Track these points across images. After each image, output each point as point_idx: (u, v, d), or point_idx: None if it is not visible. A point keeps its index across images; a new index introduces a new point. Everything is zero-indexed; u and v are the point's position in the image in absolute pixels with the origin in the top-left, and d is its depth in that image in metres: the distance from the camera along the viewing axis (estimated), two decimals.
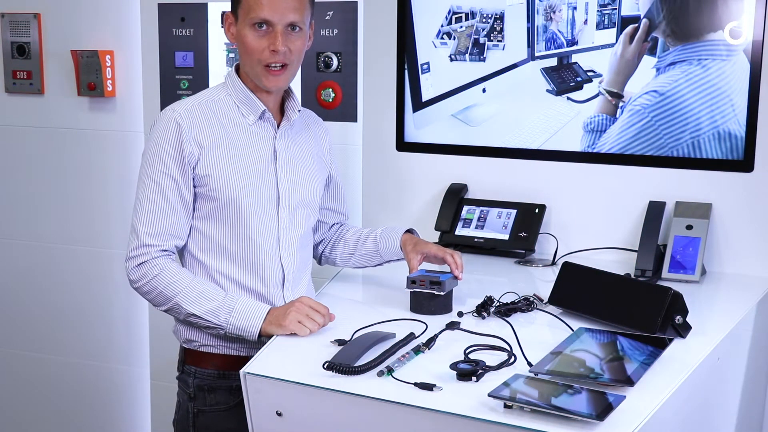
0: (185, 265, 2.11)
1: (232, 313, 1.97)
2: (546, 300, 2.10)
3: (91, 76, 3.16)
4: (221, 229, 2.07)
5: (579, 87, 2.60)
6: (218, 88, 2.15)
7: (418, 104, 2.80)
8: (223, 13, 2.95)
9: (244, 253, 2.07)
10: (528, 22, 2.64)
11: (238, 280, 2.08)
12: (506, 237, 2.64)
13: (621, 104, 2.55)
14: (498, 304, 2.05)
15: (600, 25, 2.56)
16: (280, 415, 1.73)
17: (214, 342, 2.08)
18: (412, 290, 2.05)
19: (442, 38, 2.75)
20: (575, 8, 2.58)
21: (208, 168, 2.04)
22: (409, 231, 2.28)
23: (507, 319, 1.96)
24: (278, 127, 2.14)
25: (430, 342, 1.80)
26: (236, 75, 2.13)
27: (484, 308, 2.02)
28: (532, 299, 2.09)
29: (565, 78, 2.63)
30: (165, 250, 2.02)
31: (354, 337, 1.83)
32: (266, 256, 2.09)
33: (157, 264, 2.00)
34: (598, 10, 2.55)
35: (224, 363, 2.05)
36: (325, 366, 1.67)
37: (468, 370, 1.64)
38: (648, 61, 2.50)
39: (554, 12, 2.61)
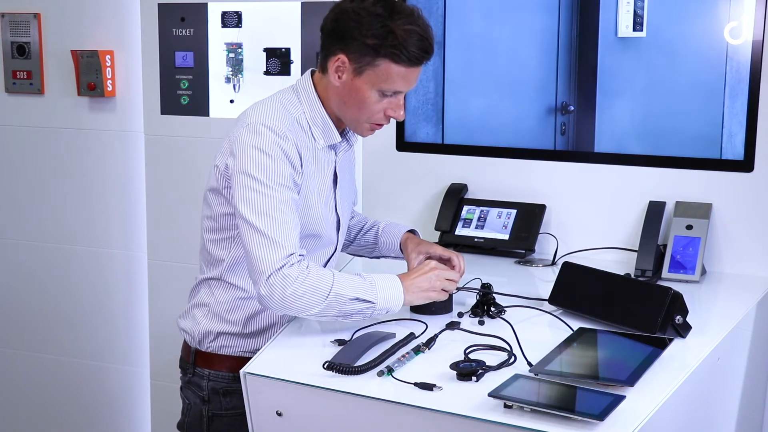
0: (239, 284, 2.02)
1: (377, 287, 1.87)
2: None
3: (91, 76, 3.16)
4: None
5: None
6: (293, 103, 1.99)
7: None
8: (224, 13, 2.99)
9: None
10: None
11: None
12: (506, 237, 2.64)
13: None
14: (485, 306, 2.02)
15: None
16: (280, 415, 1.73)
17: (229, 343, 2.06)
18: None
19: None
20: None
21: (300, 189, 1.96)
22: (411, 231, 2.27)
23: (507, 319, 1.95)
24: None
25: (430, 342, 1.80)
26: (316, 96, 1.99)
27: (478, 308, 2.01)
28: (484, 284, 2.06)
29: None
30: (302, 255, 1.89)
31: (354, 337, 1.83)
32: None
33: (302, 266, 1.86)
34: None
35: (239, 365, 1.89)
36: (325, 366, 1.67)
37: (468, 370, 1.64)
38: None
39: None
